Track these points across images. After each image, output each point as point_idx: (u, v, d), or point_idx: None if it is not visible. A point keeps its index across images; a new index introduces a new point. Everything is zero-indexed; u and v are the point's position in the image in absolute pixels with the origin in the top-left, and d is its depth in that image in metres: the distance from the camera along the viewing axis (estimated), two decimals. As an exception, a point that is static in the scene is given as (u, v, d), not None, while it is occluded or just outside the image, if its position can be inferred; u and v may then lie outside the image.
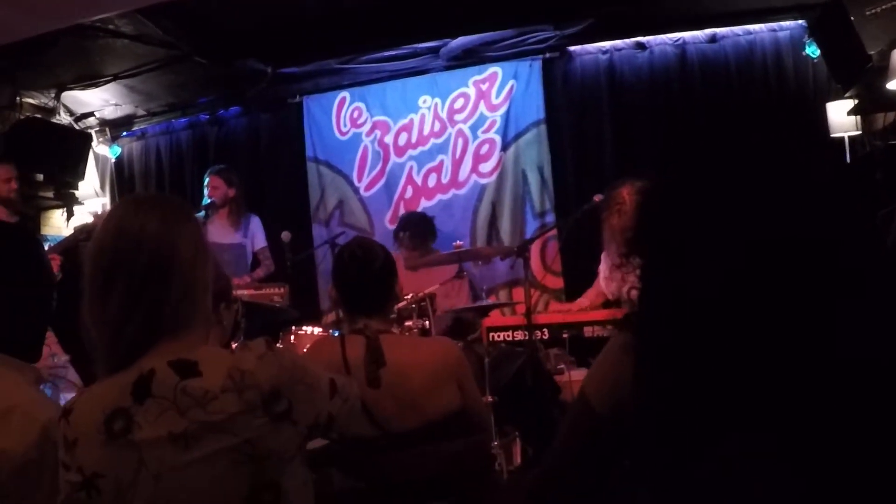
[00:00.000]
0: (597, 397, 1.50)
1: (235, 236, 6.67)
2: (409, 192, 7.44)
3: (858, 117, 5.94)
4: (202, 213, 6.26)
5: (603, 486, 1.53)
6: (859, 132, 5.97)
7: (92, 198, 7.99)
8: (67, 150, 7.24)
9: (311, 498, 1.81)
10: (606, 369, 1.50)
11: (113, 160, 8.35)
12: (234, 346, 2.26)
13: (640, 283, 1.34)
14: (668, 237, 1.29)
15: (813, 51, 6.34)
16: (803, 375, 1.12)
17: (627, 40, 6.96)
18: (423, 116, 7.42)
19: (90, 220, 6.24)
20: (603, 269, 5.40)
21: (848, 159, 5.91)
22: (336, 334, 4.10)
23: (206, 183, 6.63)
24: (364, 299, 2.86)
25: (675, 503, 1.24)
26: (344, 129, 7.66)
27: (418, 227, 6.50)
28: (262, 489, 1.65)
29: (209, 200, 6.49)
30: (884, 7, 5.30)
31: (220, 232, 6.51)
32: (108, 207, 7.87)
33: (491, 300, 6.00)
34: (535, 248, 6.54)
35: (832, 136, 6.01)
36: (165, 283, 1.72)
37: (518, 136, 7.17)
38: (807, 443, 1.11)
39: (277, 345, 1.84)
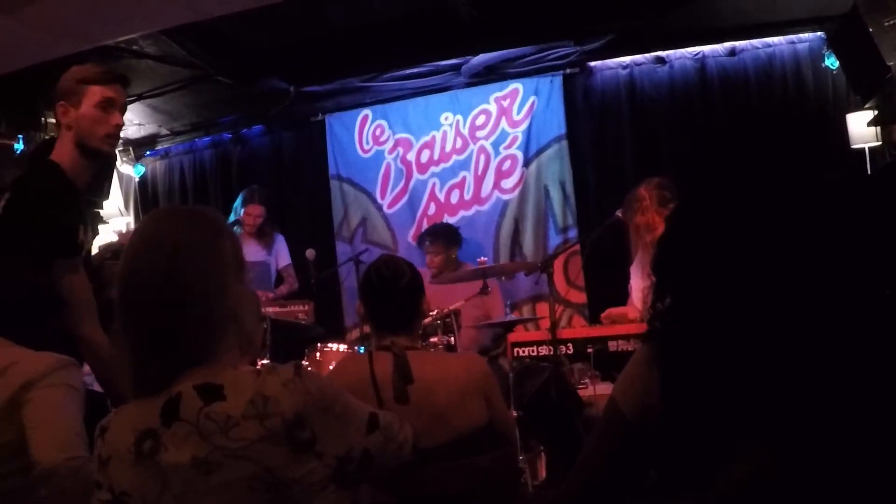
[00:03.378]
0: (626, 402, 1.53)
1: (261, 254, 6.72)
2: (433, 209, 7.46)
3: (878, 128, 5.94)
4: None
5: (630, 494, 1.56)
6: (880, 143, 5.95)
7: (116, 217, 8.06)
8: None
9: None
10: (634, 377, 1.53)
11: (137, 179, 8.41)
12: (260, 364, 2.25)
13: (668, 296, 1.37)
14: (692, 252, 1.32)
15: (832, 62, 6.33)
16: (823, 380, 1.14)
17: (647, 55, 6.96)
18: (444, 133, 7.43)
19: (115, 239, 6.28)
20: (634, 282, 5.30)
21: (869, 170, 5.90)
22: (362, 351, 4.13)
23: (242, 209, 6.68)
24: (391, 317, 2.88)
25: None
26: (366, 147, 7.69)
27: (445, 232, 6.58)
28: None
29: (235, 218, 6.54)
30: (902, 18, 5.31)
31: (246, 250, 6.49)
32: (133, 226, 7.93)
33: (515, 315, 6.01)
34: (558, 264, 6.52)
35: (852, 147, 6.00)
36: (200, 316, 1.69)
37: (539, 151, 7.18)
38: (824, 443, 1.13)
39: (308, 368, 1.81)
